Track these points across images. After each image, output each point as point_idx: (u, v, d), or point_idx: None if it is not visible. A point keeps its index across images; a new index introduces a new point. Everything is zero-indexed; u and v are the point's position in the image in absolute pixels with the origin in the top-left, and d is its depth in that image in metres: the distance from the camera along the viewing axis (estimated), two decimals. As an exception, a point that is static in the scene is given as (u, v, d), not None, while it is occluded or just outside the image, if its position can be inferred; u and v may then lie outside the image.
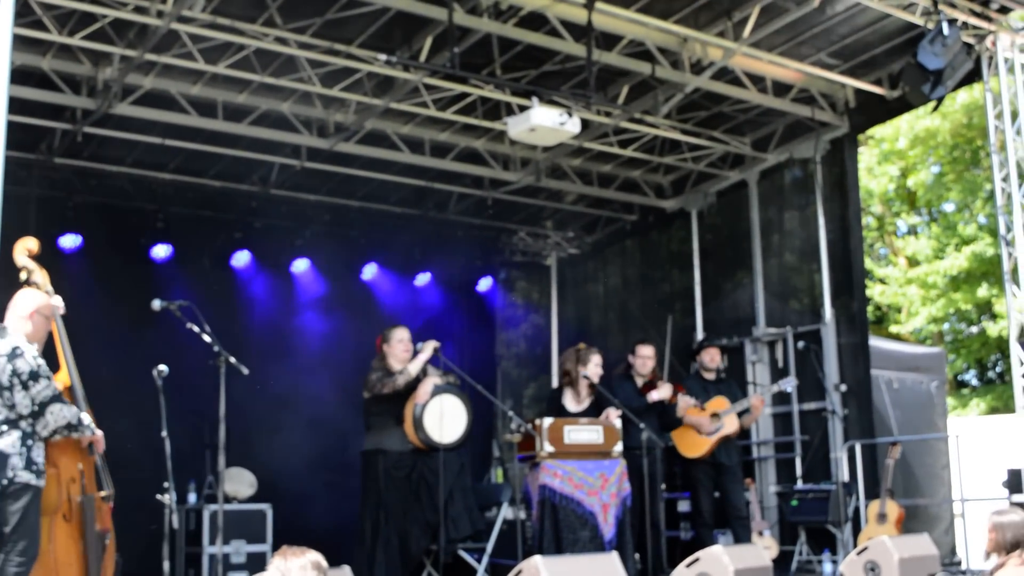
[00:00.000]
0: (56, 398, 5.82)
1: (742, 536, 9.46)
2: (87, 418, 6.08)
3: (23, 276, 6.48)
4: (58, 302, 6.51)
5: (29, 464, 5.69)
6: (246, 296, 12.21)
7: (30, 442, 5.72)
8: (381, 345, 8.40)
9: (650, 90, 10.73)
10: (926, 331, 23.91)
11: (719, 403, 9.60)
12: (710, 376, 9.94)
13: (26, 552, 5.60)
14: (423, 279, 13.70)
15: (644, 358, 9.43)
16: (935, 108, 10.62)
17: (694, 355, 10.25)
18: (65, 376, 6.36)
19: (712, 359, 9.95)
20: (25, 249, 6.57)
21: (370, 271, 13.24)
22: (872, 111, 11.41)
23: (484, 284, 14.48)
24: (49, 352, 6.36)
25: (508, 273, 14.99)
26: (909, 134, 22.87)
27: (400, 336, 8.37)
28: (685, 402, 9.32)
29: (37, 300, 6.07)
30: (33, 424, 5.75)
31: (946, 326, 24.45)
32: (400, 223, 13.36)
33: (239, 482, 10.65)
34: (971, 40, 9.77)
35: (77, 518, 6.12)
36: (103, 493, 6.34)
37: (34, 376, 5.72)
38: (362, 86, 10.32)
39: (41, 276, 6.51)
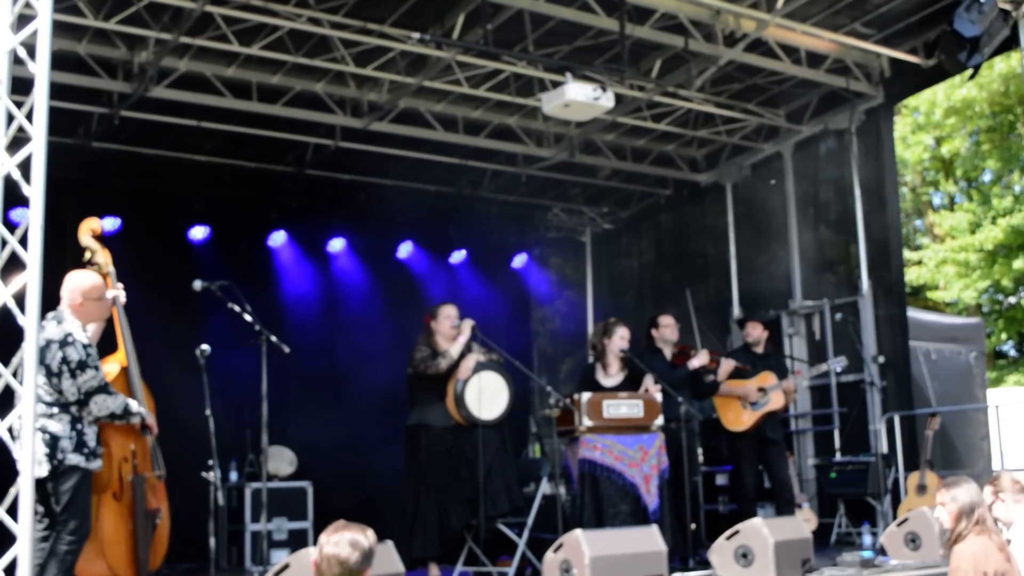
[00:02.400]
0: (101, 389, 5.86)
1: (785, 513, 9.34)
2: (135, 406, 6.10)
3: (86, 256, 6.54)
4: (118, 292, 6.54)
5: (80, 447, 5.76)
6: (282, 276, 12.27)
7: (80, 425, 5.79)
8: (429, 322, 8.46)
9: (683, 63, 10.68)
10: (962, 303, 23.67)
11: (766, 378, 9.55)
12: (759, 350, 9.87)
13: (77, 531, 5.70)
14: (458, 257, 13.74)
15: (668, 326, 9.31)
16: (972, 76, 10.50)
17: (741, 328, 10.23)
18: (122, 356, 6.43)
19: (748, 334, 9.90)
20: (89, 229, 6.60)
21: (405, 249, 13.28)
22: (907, 80, 11.32)
23: (519, 261, 14.47)
24: (108, 332, 6.43)
25: (543, 249, 15.00)
26: (945, 104, 22.61)
27: (447, 313, 8.42)
28: (728, 365, 9.27)
29: (86, 284, 6.03)
30: (80, 410, 5.83)
31: (983, 297, 24.21)
32: (435, 201, 13.40)
33: (280, 460, 10.75)
34: (1008, 7, 9.62)
35: (128, 497, 6.21)
36: (156, 473, 6.43)
37: (82, 366, 5.76)
38: (395, 65, 10.33)
39: (103, 257, 6.57)
